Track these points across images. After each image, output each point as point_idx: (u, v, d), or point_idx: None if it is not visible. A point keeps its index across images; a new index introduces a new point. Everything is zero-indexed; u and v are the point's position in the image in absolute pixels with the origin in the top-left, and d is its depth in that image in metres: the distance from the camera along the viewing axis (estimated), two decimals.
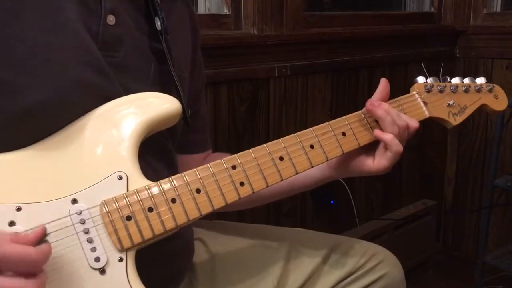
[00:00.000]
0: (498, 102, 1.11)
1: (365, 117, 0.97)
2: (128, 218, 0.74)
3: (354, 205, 2.17)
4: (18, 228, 0.68)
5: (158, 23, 0.89)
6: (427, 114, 1.04)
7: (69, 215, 0.71)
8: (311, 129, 0.92)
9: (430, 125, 2.43)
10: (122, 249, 0.73)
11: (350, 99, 2.05)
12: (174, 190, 0.78)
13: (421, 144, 2.47)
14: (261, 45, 1.76)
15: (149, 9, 0.89)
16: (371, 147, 0.97)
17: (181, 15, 1.01)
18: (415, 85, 1.06)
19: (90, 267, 0.71)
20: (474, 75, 1.11)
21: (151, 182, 0.77)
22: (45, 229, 0.65)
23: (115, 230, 0.73)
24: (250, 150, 0.85)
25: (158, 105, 0.81)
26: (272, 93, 1.83)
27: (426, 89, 1.05)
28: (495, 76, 2.36)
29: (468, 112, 1.08)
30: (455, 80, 1.09)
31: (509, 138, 2.34)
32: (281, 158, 0.87)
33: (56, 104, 0.74)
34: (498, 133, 2.11)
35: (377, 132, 0.95)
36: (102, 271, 0.71)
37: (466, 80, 1.09)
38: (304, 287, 1.06)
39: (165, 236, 0.78)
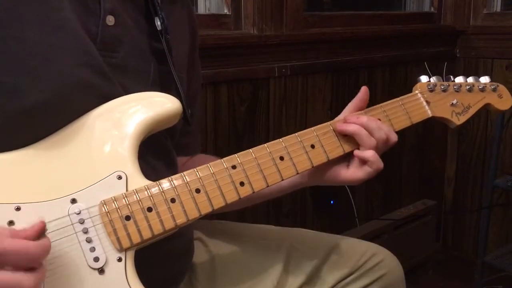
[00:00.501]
0: (502, 101, 1.10)
1: None
2: (127, 218, 0.74)
3: (354, 205, 2.16)
4: (17, 227, 0.68)
5: (158, 23, 0.89)
6: (429, 113, 1.04)
7: (68, 215, 0.71)
8: (312, 128, 0.92)
9: (430, 125, 2.43)
10: (121, 249, 0.72)
11: (350, 99, 2.03)
12: (174, 190, 0.77)
13: (421, 144, 2.47)
14: (261, 45, 1.76)
15: (149, 9, 0.89)
16: (346, 156, 0.96)
17: (181, 15, 1.01)
18: (418, 85, 1.06)
19: (89, 266, 0.71)
20: (474, 75, 1.11)
21: (150, 182, 0.77)
22: (44, 224, 0.64)
23: (114, 230, 0.72)
24: (250, 150, 0.85)
25: (158, 104, 0.81)
26: (272, 93, 1.83)
27: (429, 88, 1.05)
28: (495, 76, 2.35)
29: (472, 111, 1.07)
30: (459, 79, 1.09)
31: (509, 138, 2.34)
32: (281, 158, 0.87)
33: (56, 104, 0.74)
34: (498, 133, 2.11)
35: (357, 152, 0.94)
36: (101, 271, 0.71)
37: (470, 79, 1.09)
38: (304, 287, 1.06)
39: (165, 236, 0.77)
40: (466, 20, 2.44)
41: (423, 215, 2.39)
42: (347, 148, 0.94)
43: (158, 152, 0.90)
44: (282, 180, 0.87)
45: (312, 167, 0.90)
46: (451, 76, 1.09)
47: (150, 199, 0.75)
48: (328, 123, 0.94)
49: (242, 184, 0.82)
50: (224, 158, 0.83)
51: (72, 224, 0.71)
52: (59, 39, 0.74)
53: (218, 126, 1.70)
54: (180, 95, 0.90)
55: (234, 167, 0.83)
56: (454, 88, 1.06)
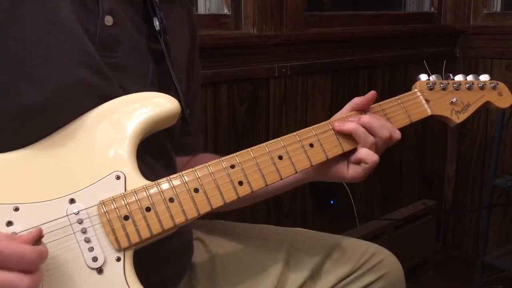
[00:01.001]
0: (502, 99, 1.10)
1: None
2: (126, 217, 0.74)
3: (354, 205, 2.16)
4: (16, 228, 0.68)
5: (156, 23, 0.89)
6: (429, 112, 1.03)
7: (67, 215, 0.71)
8: (310, 127, 0.92)
9: (430, 125, 2.43)
10: (120, 249, 0.72)
11: (350, 99, 2.04)
12: (172, 189, 0.77)
13: (421, 144, 2.47)
14: (261, 45, 1.76)
15: (148, 10, 0.89)
16: (347, 153, 0.96)
17: (180, 16, 1.01)
18: (417, 83, 1.05)
19: (88, 266, 0.71)
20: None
21: (149, 181, 0.77)
22: (41, 231, 0.64)
23: (113, 230, 0.72)
24: (249, 149, 0.85)
25: (157, 105, 0.81)
26: (272, 93, 1.83)
27: (428, 86, 1.05)
28: (494, 76, 2.34)
29: (472, 109, 1.07)
30: (458, 78, 1.08)
31: (509, 138, 2.33)
32: (280, 157, 0.87)
33: (55, 105, 0.74)
34: (498, 133, 2.11)
35: (351, 158, 0.95)
36: (100, 270, 0.71)
37: (470, 78, 1.09)
38: (304, 287, 1.05)
39: (164, 236, 0.77)
40: (466, 20, 2.44)
41: (423, 215, 2.39)
42: (346, 146, 0.94)
43: (157, 152, 0.90)
44: (281, 179, 0.87)
45: (311, 166, 0.90)
46: (451, 75, 1.08)
47: (149, 199, 0.75)
48: (327, 122, 0.94)
49: (240, 183, 0.82)
50: (223, 158, 0.83)
51: (70, 224, 0.71)
52: (58, 39, 0.74)
53: (218, 126, 1.70)
54: (179, 96, 0.90)
55: (232, 166, 0.82)
56: (454, 86, 1.06)
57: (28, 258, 0.61)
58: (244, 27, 1.75)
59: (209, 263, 1.06)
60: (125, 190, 0.75)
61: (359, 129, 0.93)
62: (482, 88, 1.08)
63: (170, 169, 0.92)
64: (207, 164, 0.81)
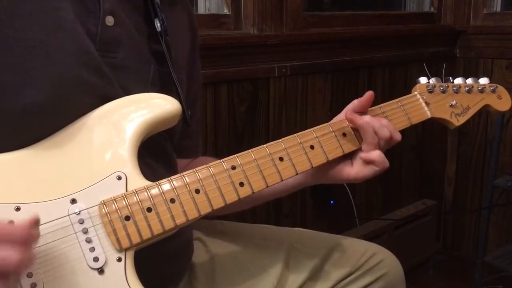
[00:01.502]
0: (501, 102, 1.11)
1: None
2: (127, 218, 0.74)
3: (354, 205, 2.17)
4: None
5: (158, 24, 0.89)
6: (429, 114, 1.04)
7: (68, 215, 0.71)
8: (311, 129, 0.92)
9: (430, 125, 2.43)
10: (121, 249, 0.73)
11: (350, 99, 2.02)
12: (173, 190, 0.77)
13: (421, 144, 2.47)
14: (261, 45, 1.76)
15: (149, 11, 0.89)
16: (349, 154, 0.96)
17: (181, 18, 1.01)
18: (417, 86, 1.06)
19: (89, 266, 0.71)
20: (474, 75, 1.11)
21: (150, 182, 0.77)
22: (38, 218, 0.63)
23: (114, 230, 0.73)
24: (249, 150, 0.85)
25: (158, 105, 0.81)
26: (272, 93, 1.83)
27: (428, 89, 1.05)
28: (495, 76, 2.35)
29: (471, 112, 1.08)
30: (458, 81, 1.09)
31: (509, 138, 2.34)
32: (281, 159, 0.87)
33: (55, 104, 0.74)
34: (498, 133, 2.11)
35: (363, 155, 0.94)
36: (101, 271, 0.71)
37: (469, 81, 1.09)
38: (304, 287, 1.06)
39: (165, 236, 0.78)
40: (466, 20, 2.44)
41: (423, 215, 2.39)
42: (346, 148, 0.94)
43: (158, 153, 0.90)
44: (282, 180, 0.87)
45: (312, 167, 0.90)
46: (450, 77, 1.09)
47: (150, 200, 0.75)
48: (328, 124, 0.94)
49: (241, 184, 0.82)
50: (224, 159, 0.83)
51: (71, 224, 0.71)
52: (58, 39, 0.74)
53: (218, 126, 1.70)
54: (180, 97, 0.90)
55: (233, 167, 0.83)
56: (453, 89, 1.07)
57: (16, 236, 0.60)
58: (244, 27, 1.75)
59: (209, 263, 1.06)
60: (126, 191, 0.75)
61: (369, 127, 0.93)
62: (481, 91, 1.09)
63: (170, 170, 0.92)
64: (208, 165, 0.81)
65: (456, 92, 1.07)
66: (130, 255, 0.73)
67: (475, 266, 2.21)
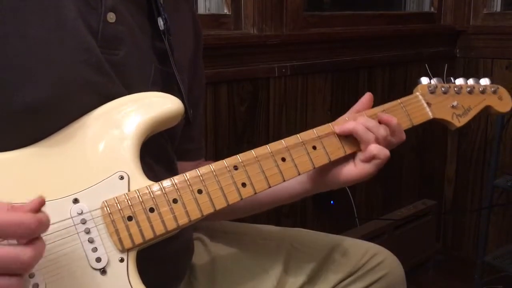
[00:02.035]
0: (502, 103, 1.11)
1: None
2: (129, 218, 0.73)
3: (354, 205, 2.17)
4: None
5: (161, 23, 0.88)
6: (430, 115, 1.04)
7: (70, 215, 0.71)
8: (313, 130, 0.92)
9: (430, 125, 2.42)
10: (123, 250, 0.72)
11: (350, 99, 2.05)
12: (176, 190, 0.77)
13: (421, 144, 2.47)
14: (261, 45, 1.76)
15: (152, 10, 0.89)
16: (350, 157, 0.95)
17: (185, 19, 1.01)
18: (419, 86, 1.06)
19: (91, 267, 0.70)
20: (474, 75, 1.11)
21: (152, 182, 0.77)
22: (43, 199, 0.62)
23: (116, 231, 0.72)
24: (252, 150, 0.85)
25: (160, 104, 0.81)
26: (272, 93, 1.83)
27: (429, 90, 1.05)
28: (495, 76, 2.36)
29: (472, 113, 1.08)
30: (459, 81, 1.09)
31: (509, 138, 2.34)
32: (283, 159, 0.87)
33: (56, 102, 0.73)
34: (498, 133, 2.11)
35: (361, 156, 0.93)
36: (103, 271, 0.71)
37: (470, 81, 1.09)
38: (304, 287, 1.06)
39: (167, 236, 0.77)
40: (466, 20, 2.44)
41: (423, 215, 2.39)
42: (348, 149, 0.94)
43: (158, 154, 0.90)
44: (284, 181, 0.86)
45: (314, 168, 0.90)
46: (452, 78, 1.09)
47: (152, 200, 0.75)
48: (330, 124, 0.94)
49: (244, 185, 0.82)
50: (226, 159, 0.83)
51: (74, 224, 0.71)
52: (59, 37, 0.74)
53: (218, 126, 1.70)
54: (182, 96, 0.90)
55: (236, 168, 0.82)
56: (455, 90, 1.07)
57: (26, 225, 0.59)
58: (244, 27, 1.75)
59: (209, 263, 1.06)
60: (129, 191, 0.75)
61: (358, 127, 0.92)
62: (483, 92, 1.09)
63: (170, 172, 0.92)
64: (210, 165, 0.81)
65: (458, 93, 1.07)
66: (132, 255, 0.73)
67: (475, 266, 2.21)
